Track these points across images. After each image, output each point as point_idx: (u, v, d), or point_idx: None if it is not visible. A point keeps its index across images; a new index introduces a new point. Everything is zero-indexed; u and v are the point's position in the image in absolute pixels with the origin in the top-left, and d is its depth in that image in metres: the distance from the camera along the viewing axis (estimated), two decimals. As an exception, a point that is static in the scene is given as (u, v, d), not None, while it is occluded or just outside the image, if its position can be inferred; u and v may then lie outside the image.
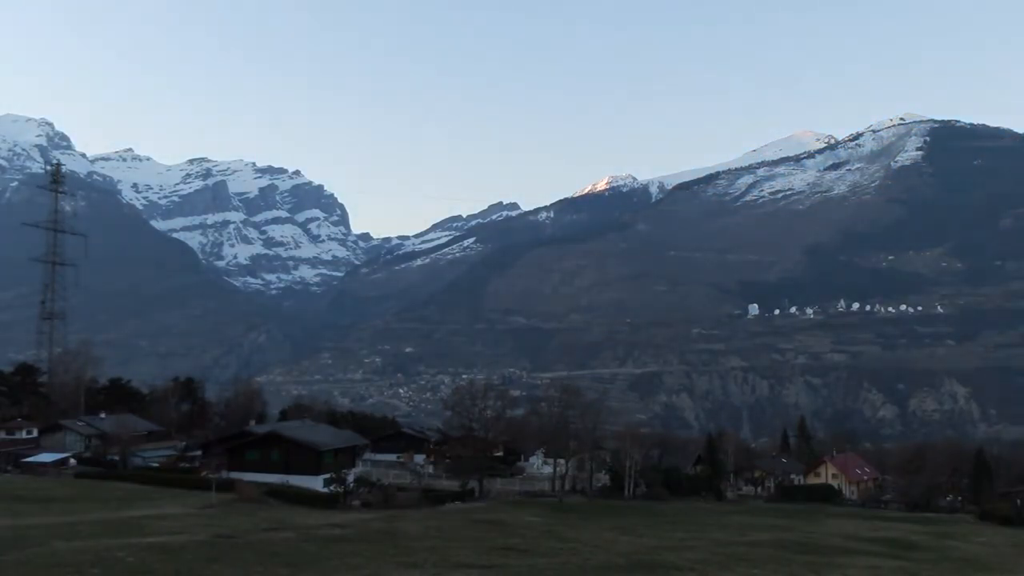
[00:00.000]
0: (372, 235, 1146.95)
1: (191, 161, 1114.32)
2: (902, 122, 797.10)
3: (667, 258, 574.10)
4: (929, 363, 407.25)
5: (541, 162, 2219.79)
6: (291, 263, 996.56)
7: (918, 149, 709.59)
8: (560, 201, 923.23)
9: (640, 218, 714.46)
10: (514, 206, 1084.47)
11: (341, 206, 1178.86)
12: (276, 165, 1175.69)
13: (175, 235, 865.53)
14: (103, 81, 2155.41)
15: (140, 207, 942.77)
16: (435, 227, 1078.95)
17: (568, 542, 43.12)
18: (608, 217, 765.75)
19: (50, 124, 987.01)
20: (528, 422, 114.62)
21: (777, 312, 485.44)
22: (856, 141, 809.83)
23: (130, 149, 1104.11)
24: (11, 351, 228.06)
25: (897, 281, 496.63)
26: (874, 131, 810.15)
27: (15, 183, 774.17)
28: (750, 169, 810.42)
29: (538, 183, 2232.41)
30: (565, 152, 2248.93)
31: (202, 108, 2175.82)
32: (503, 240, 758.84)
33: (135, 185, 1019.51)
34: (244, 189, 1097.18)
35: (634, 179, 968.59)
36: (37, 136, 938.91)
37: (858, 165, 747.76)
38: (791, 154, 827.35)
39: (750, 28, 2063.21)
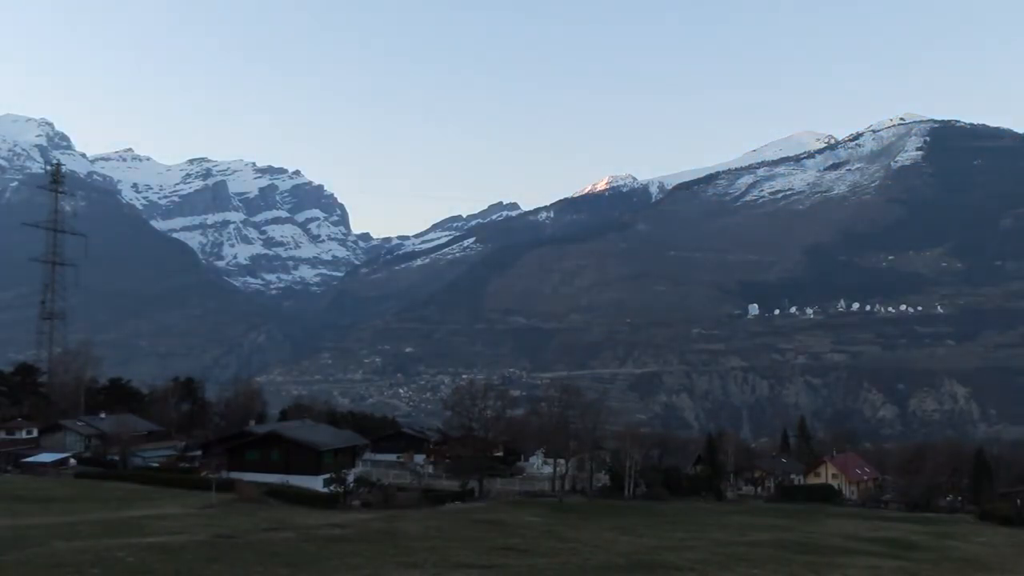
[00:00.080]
0: (372, 235, 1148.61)
1: (191, 161, 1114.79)
2: (902, 122, 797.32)
3: (667, 258, 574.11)
4: (929, 363, 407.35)
5: (541, 162, 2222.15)
6: (291, 263, 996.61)
7: (918, 149, 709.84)
8: (560, 201, 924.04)
9: (640, 218, 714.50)
10: (514, 206, 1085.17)
11: (341, 206, 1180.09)
12: (276, 165, 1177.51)
13: (175, 235, 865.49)
14: (103, 81, 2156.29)
15: (140, 207, 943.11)
16: (435, 227, 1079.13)
17: (568, 542, 43.13)
18: (608, 217, 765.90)
19: (50, 124, 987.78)
20: (528, 422, 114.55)
21: (777, 312, 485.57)
22: (856, 141, 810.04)
23: (130, 149, 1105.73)
24: (11, 351, 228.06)
25: (897, 281, 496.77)
26: (874, 131, 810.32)
27: (15, 183, 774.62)
28: (750, 169, 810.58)
29: (538, 183, 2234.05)
30: (565, 152, 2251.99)
31: (202, 108, 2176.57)
32: (503, 240, 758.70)
33: (135, 185, 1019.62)
34: (244, 189, 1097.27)
35: (634, 179, 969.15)
36: (37, 136, 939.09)
37: (858, 165, 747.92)
38: (791, 154, 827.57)
39: (750, 28, 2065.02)
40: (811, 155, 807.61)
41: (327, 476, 67.82)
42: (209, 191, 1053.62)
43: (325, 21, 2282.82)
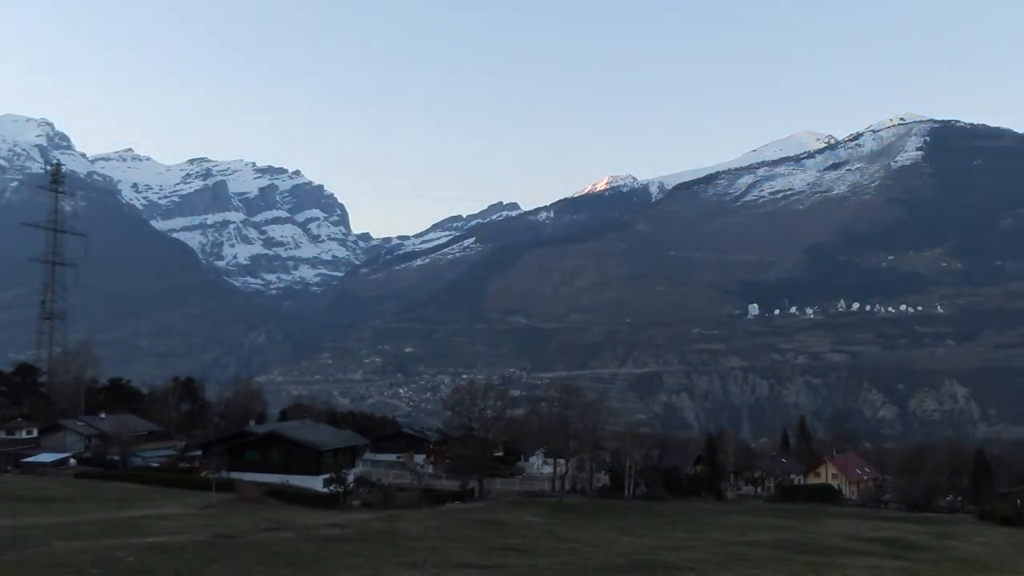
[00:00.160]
0: (372, 235, 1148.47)
1: (191, 161, 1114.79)
2: (902, 122, 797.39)
3: (667, 258, 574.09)
4: (929, 363, 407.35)
5: (541, 162, 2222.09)
6: (291, 263, 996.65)
7: (918, 149, 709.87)
8: (560, 201, 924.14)
9: (640, 218, 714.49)
10: (514, 206, 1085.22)
11: (341, 206, 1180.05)
12: (276, 165, 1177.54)
13: (175, 235, 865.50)
14: (103, 81, 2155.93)
15: (140, 207, 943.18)
16: (435, 227, 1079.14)
17: (568, 542, 43.13)
18: (608, 217, 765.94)
19: (50, 124, 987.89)
20: (528, 422, 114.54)
21: (777, 312, 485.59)
22: (856, 141, 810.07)
23: (130, 149, 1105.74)
24: (11, 351, 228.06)
25: (897, 281, 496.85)
26: (874, 131, 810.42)
27: (15, 183, 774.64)
28: (750, 169, 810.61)
29: (538, 183, 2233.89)
30: (565, 152, 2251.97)
31: (202, 108, 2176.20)
32: (503, 240, 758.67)
33: (135, 185, 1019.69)
34: (244, 189, 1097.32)
35: (634, 179, 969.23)
36: (37, 136, 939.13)
37: (858, 165, 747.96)
38: (791, 154, 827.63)
39: (750, 28, 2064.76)
40: (811, 155, 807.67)
41: (327, 476, 67.82)
42: (209, 191, 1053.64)
43: (325, 21, 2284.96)
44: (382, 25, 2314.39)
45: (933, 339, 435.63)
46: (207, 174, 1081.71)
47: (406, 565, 30.54)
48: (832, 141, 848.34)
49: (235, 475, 67.97)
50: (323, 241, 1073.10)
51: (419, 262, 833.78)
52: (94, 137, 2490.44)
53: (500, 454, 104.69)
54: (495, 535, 44.34)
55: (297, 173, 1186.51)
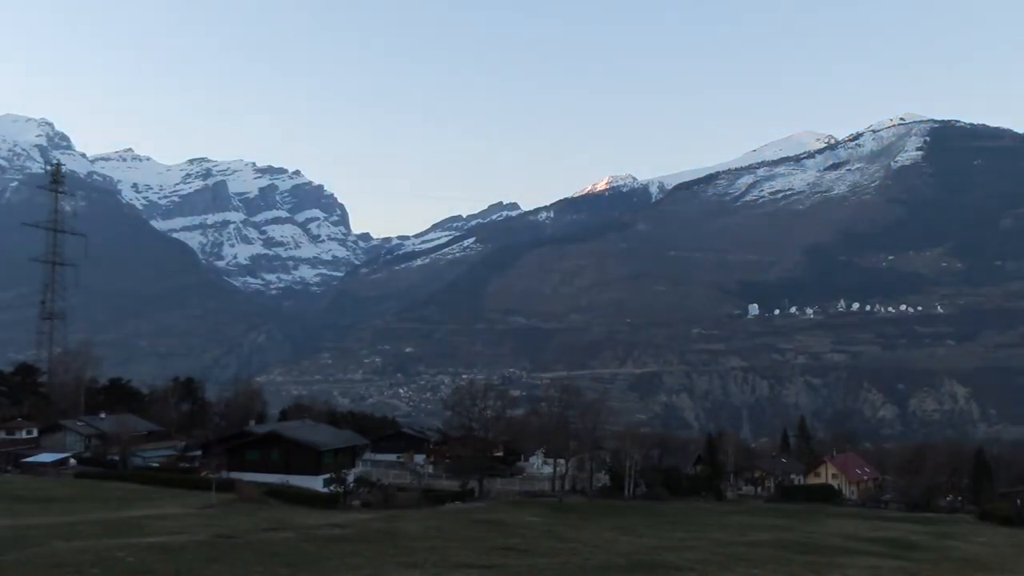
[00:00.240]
0: (372, 235, 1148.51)
1: (191, 161, 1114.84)
2: (902, 122, 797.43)
3: (667, 258, 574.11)
4: (929, 363, 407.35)
5: (541, 162, 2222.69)
6: (291, 263, 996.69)
7: (918, 149, 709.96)
8: (560, 201, 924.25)
9: (640, 218, 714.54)
10: (514, 206, 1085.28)
11: (341, 206, 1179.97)
12: (276, 165, 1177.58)
13: (175, 235, 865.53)
14: (103, 81, 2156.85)
15: (140, 207, 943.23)
16: (435, 227, 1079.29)
17: (568, 542, 43.13)
18: (608, 217, 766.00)
19: (50, 124, 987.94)
20: (528, 422, 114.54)
21: (777, 312, 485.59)
22: (856, 141, 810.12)
23: (130, 149, 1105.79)
24: (11, 351, 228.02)
25: (897, 281, 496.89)
26: (874, 131, 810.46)
27: (15, 183, 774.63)
28: (750, 169, 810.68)
29: (538, 183, 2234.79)
30: (565, 152, 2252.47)
31: (202, 108, 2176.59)
32: (503, 240, 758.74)
33: (135, 185, 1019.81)
34: (244, 189, 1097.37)
35: (634, 179, 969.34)
36: (37, 136, 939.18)
37: (858, 165, 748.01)
38: (791, 154, 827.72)
39: (750, 28, 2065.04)
40: (811, 155, 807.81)
41: (327, 476, 67.82)
42: (209, 191, 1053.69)
43: (325, 21, 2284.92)
44: (382, 25, 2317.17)
45: (933, 339, 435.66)
46: (207, 174, 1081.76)
47: (406, 565, 30.54)
48: (832, 141, 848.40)
49: (235, 475, 67.97)
50: (323, 241, 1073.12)
51: (419, 262, 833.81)
52: (94, 137, 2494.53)
53: (500, 454, 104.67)
54: (495, 535, 44.34)
55: (297, 173, 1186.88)
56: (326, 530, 41.87)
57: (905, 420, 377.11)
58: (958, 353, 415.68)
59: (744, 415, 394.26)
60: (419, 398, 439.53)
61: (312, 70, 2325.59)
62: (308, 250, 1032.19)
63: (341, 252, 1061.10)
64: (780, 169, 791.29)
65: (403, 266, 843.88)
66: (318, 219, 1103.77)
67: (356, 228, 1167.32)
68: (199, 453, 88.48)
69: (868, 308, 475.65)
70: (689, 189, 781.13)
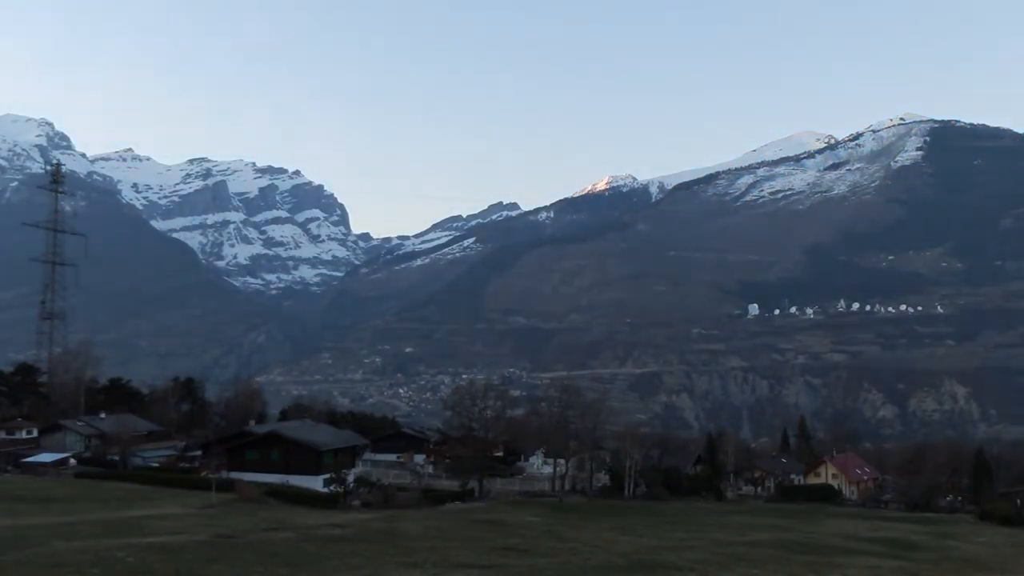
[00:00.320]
0: (372, 235, 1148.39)
1: (191, 161, 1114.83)
2: (902, 122, 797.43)
3: (667, 258, 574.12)
4: (929, 363, 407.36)
5: (541, 162, 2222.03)
6: (291, 263, 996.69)
7: (918, 149, 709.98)
8: (560, 201, 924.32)
9: (640, 218, 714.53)
10: (514, 206, 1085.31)
11: (341, 206, 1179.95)
12: (276, 165, 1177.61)
13: (175, 235, 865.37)
14: (103, 81, 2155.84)
15: (140, 207, 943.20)
16: (435, 227, 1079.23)
17: (568, 542, 43.13)
18: (608, 217, 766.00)
19: (50, 124, 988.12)
20: (528, 422, 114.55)
21: (777, 312, 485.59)
22: (856, 141, 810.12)
23: (130, 149, 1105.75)
24: (11, 351, 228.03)
25: (897, 281, 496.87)
26: (874, 131, 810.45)
27: (15, 183, 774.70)
28: (750, 169, 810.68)
29: (538, 183, 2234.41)
30: (565, 152, 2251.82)
31: (202, 108, 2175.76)
32: (503, 240, 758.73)
33: (135, 185, 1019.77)
34: (244, 189, 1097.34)
35: (634, 179, 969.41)
36: (37, 136, 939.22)
37: (858, 165, 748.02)
38: (791, 154, 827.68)
39: (750, 28, 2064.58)
40: (811, 155, 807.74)
41: (327, 476, 67.82)
42: (209, 191, 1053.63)
43: (325, 21, 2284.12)
44: (382, 25, 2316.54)
45: (933, 339, 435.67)
46: (207, 174, 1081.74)
47: (406, 565, 30.54)
48: (832, 141, 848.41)
49: (235, 475, 67.97)
50: (323, 241, 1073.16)
51: (419, 262, 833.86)
52: (94, 137, 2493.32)
53: (500, 454, 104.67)
54: (495, 535, 44.34)
55: (297, 173, 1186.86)
56: (326, 530, 41.86)
57: (905, 420, 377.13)
58: (958, 353, 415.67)
59: (744, 415, 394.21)
60: (419, 398, 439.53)
61: (312, 70, 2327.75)
62: (308, 250, 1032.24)
63: (341, 252, 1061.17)
64: (780, 169, 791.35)
65: (403, 266, 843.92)
66: (318, 219, 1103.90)
67: (356, 228, 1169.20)
68: (199, 453, 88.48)
69: (868, 308, 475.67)
70: (689, 189, 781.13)
